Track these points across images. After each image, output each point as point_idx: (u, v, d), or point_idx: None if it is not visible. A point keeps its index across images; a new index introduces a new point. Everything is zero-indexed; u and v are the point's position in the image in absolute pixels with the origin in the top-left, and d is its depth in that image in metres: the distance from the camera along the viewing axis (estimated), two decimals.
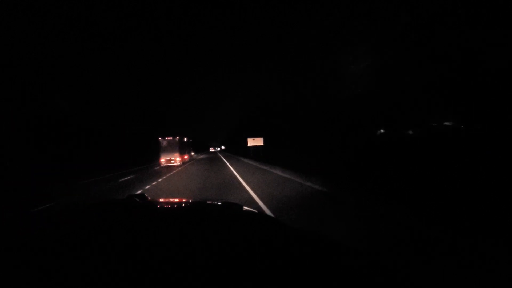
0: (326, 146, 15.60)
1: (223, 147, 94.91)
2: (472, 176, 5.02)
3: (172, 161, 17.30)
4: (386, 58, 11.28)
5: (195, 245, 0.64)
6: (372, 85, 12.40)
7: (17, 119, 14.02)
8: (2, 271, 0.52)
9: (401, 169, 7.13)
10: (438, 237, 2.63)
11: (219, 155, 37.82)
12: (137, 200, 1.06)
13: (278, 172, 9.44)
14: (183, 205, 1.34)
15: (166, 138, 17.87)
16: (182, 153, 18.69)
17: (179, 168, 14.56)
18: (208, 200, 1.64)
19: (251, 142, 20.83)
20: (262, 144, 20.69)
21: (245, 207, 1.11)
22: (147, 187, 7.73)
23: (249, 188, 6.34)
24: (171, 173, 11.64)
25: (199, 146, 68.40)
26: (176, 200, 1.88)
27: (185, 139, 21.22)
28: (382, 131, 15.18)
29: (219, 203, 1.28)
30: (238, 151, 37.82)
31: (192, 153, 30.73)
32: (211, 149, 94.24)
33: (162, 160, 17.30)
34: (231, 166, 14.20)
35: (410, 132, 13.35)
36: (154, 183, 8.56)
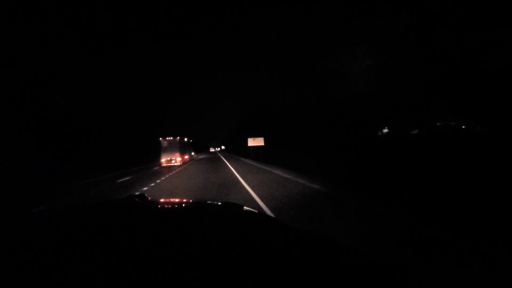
0: (326, 146, 15.60)
1: (223, 147, 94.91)
2: (472, 176, 5.02)
3: (173, 161, 17.35)
4: (386, 58, 11.28)
5: (195, 245, 0.64)
6: (372, 85, 12.41)
7: (17, 119, 14.03)
8: (2, 271, 0.52)
9: (402, 169, 7.13)
10: (438, 237, 2.63)
11: (219, 155, 37.83)
12: (137, 200, 1.06)
13: (278, 172, 9.44)
14: (183, 205, 1.34)
15: (167, 138, 17.93)
16: (182, 153, 18.73)
17: (180, 168, 14.56)
18: (208, 200, 1.65)
19: (252, 142, 20.83)
20: (263, 144, 20.68)
21: (245, 207, 1.11)
22: (149, 185, 7.74)
23: (249, 188, 6.35)
24: (171, 173, 11.64)
25: (199, 146, 68.46)
26: (176, 200, 1.88)
27: (186, 140, 21.27)
28: (386, 130, 15.18)
29: (219, 203, 1.28)
30: (238, 151, 37.84)
31: (192, 153, 30.78)
32: (211, 149, 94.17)
33: (163, 160, 17.35)
34: (231, 166, 14.20)
35: (415, 131, 13.35)
36: (154, 183, 8.56)
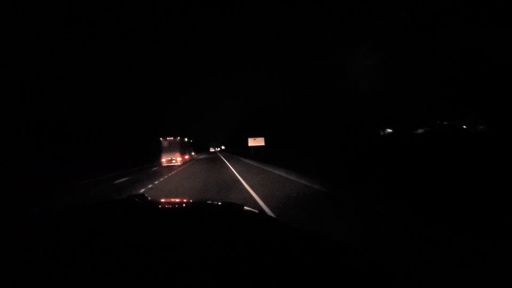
0: (326, 146, 15.60)
1: (223, 147, 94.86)
2: (472, 176, 5.01)
3: (173, 161, 17.42)
4: (386, 58, 11.28)
5: (195, 245, 0.64)
6: (372, 85, 12.41)
7: (17, 119, 14.03)
8: (2, 271, 0.52)
9: (402, 169, 7.13)
10: (438, 237, 2.63)
11: (219, 155, 37.81)
12: (137, 200, 1.06)
13: (278, 172, 9.44)
14: (183, 205, 1.34)
15: (167, 138, 18.00)
16: (182, 153, 18.76)
17: (180, 168, 14.56)
18: (209, 200, 1.64)
19: (252, 142, 20.80)
20: (263, 144, 20.65)
21: (245, 207, 1.11)
22: (150, 185, 7.73)
23: (250, 188, 6.34)
24: (172, 173, 11.64)
25: (199, 146, 68.46)
26: (177, 200, 1.88)
27: (186, 140, 21.30)
28: (389, 130, 15.15)
29: (219, 203, 1.28)
30: (238, 151, 37.83)
31: (193, 153, 30.78)
32: (211, 149, 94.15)
33: (163, 160, 17.41)
34: (232, 166, 14.20)
35: (419, 131, 13.30)
36: (154, 184, 8.56)
